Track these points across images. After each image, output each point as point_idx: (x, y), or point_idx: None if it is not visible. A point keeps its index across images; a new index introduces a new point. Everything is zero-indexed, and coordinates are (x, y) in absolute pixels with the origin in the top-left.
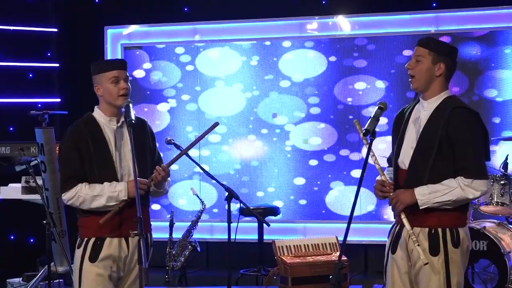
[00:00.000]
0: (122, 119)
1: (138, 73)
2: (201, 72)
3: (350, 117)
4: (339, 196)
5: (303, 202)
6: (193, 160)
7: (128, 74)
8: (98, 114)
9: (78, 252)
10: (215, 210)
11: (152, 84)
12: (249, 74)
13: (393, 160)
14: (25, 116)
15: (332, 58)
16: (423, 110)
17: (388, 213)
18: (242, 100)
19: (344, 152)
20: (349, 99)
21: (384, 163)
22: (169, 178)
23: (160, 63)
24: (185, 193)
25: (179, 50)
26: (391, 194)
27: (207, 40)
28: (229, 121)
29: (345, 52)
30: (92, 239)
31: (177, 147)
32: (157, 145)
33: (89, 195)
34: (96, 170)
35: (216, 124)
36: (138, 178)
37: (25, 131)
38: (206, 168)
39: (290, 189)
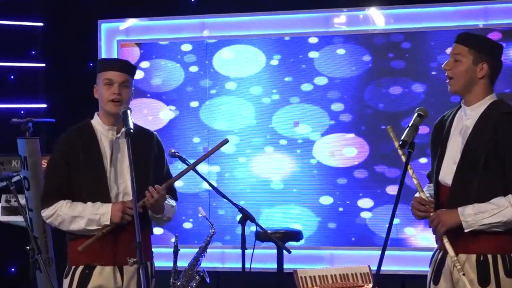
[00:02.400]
0: (123, 129)
1: (137, 75)
2: (211, 74)
3: (383, 126)
4: (372, 218)
5: (330, 225)
6: (201, 176)
7: (129, 79)
8: (96, 121)
9: (65, 283)
10: (228, 237)
11: (153, 87)
12: (267, 76)
13: (433, 176)
14: (5, 125)
15: (364, 57)
16: (466, 118)
17: (430, 238)
18: (259, 106)
19: (377, 167)
20: (382, 105)
21: (424, 181)
22: (173, 203)
23: (162, 62)
24: (192, 215)
25: (185, 47)
26: (431, 214)
27: (217, 36)
28: (243, 130)
29: (378, 50)
30: (80, 267)
31: (183, 160)
32: (167, 160)
33: (68, 215)
34: (85, 186)
35: (226, 141)
36: (124, 201)
37: (5, 142)
38: (216, 185)
39: (314, 210)
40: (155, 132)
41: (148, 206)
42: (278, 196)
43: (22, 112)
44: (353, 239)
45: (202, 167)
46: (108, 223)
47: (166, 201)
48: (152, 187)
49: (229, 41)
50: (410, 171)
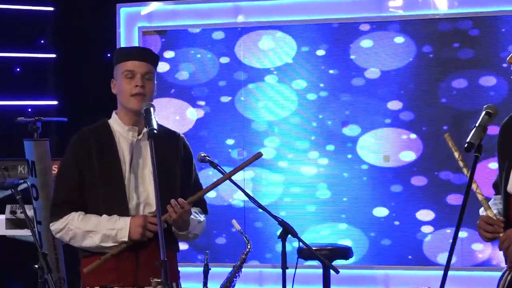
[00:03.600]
0: (145, 130)
1: (161, 67)
2: (247, 65)
3: (445, 127)
4: (433, 233)
5: (384, 241)
6: (235, 184)
7: (152, 70)
8: (114, 121)
9: None
10: (266, 255)
11: (179, 81)
12: (311, 68)
13: (501, 186)
14: (10, 124)
15: (424, 47)
16: None
17: (499, 257)
18: (303, 103)
19: (440, 173)
20: (445, 102)
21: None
22: (202, 217)
23: (191, 52)
24: (225, 229)
25: (216, 35)
26: (500, 234)
27: (254, 22)
28: (285, 131)
29: (441, 39)
30: None
31: (215, 166)
32: (195, 167)
33: (81, 229)
34: (100, 196)
35: (259, 155)
36: (146, 215)
37: (11, 145)
38: (252, 194)
39: (366, 224)
40: (181, 134)
41: (170, 223)
42: (324, 207)
43: (30, 110)
44: (410, 257)
45: (236, 174)
46: (126, 239)
47: (192, 216)
48: (174, 200)
49: (267, 27)
50: (473, 186)
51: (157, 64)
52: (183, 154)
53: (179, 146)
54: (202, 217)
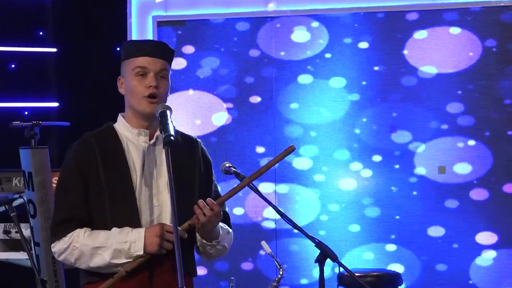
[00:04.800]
0: (158, 133)
1: (177, 63)
2: (278, 60)
3: (510, 132)
4: (496, 258)
5: (439, 266)
6: (265, 199)
7: (167, 67)
8: (121, 124)
9: None
10: (302, 281)
11: (200, 79)
12: (353, 64)
13: None
14: (4, 130)
15: (487, 40)
16: None
17: None
18: (343, 104)
19: (503, 186)
20: (510, 103)
21: None
22: (229, 229)
23: (213, 46)
24: (253, 252)
25: (243, 26)
26: None
27: (286, 10)
28: (323, 137)
29: (506, 30)
30: None
31: (241, 178)
32: (214, 177)
33: (89, 246)
34: (109, 211)
35: (291, 149)
36: (163, 224)
37: (4, 153)
38: (285, 211)
39: (418, 245)
40: (199, 139)
41: (198, 227)
42: (369, 226)
43: (26, 112)
44: (471, 281)
45: (266, 187)
46: (141, 253)
47: (220, 224)
48: (202, 201)
49: (302, 17)
50: None
51: (172, 60)
52: (202, 162)
53: (197, 152)
54: (230, 229)
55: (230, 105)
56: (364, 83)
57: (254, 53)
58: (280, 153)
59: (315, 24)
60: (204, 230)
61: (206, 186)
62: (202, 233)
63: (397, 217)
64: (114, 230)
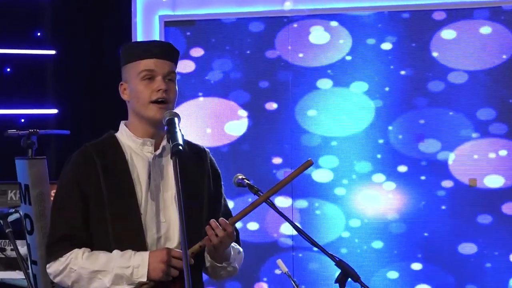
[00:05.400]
0: (165, 142)
1: (186, 66)
2: (296, 63)
3: None
4: None
5: (470, 287)
6: (281, 214)
7: (174, 69)
8: (124, 134)
9: None
10: None
11: (211, 84)
12: (376, 67)
13: None
14: None
15: None
16: None
17: None
18: (366, 112)
19: None
20: None
21: None
22: (240, 249)
23: (224, 48)
24: (268, 270)
25: (257, 26)
26: None
27: (303, 9)
28: (344, 147)
29: None
30: None
31: (255, 191)
32: (223, 190)
33: (87, 269)
34: (111, 229)
35: (309, 163)
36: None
37: None
38: (302, 227)
39: (447, 264)
40: (207, 149)
41: (209, 249)
42: (394, 243)
43: (23, 120)
44: None
45: (283, 201)
46: (144, 279)
47: (232, 244)
48: (214, 221)
49: (321, 16)
50: None
51: (178, 61)
52: (211, 173)
53: (206, 163)
54: (240, 248)
55: (242, 112)
56: (387, 89)
57: (269, 55)
58: (297, 168)
59: (334, 24)
60: (216, 251)
61: (215, 200)
62: (213, 255)
63: (425, 233)
64: (116, 253)
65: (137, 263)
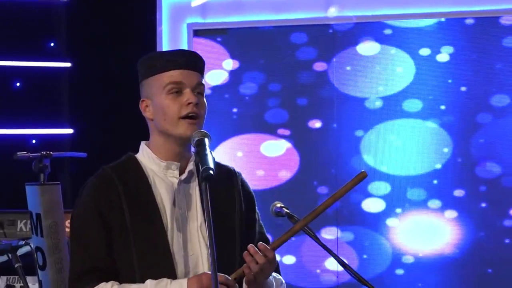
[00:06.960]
0: (191, 166)
1: (216, 78)
2: (342, 77)
3: None
4: None
5: None
6: (324, 246)
7: (202, 81)
8: (146, 156)
9: None
10: None
11: (246, 100)
12: (432, 81)
13: None
14: (7, 162)
15: None
16: None
17: None
18: (420, 132)
19: None
20: None
21: None
22: (282, 280)
23: (259, 60)
24: None
25: (298, 37)
26: None
27: (351, 16)
28: (395, 173)
29: None
30: None
31: (295, 222)
32: (258, 215)
33: None
34: (136, 258)
35: (363, 176)
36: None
37: (8, 191)
38: (348, 261)
39: None
40: (238, 171)
41: (248, 278)
42: (452, 281)
43: (34, 141)
44: None
45: (328, 232)
46: None
47: (273, 274)
48: (253, 246)
49: (370, 25)
50: None
51: (204, 72)
52: (242, 197)
53: (236, 187)
54: (282, 279)
55: (282, 131)
56: (442, 107)
57: (311, 67)
58: (351, 180)
59: (386, 32)
60: (256, 281)
61: (248, 227)
62: (252, 285)
63: (489, 270)
64: (149, 282)
65: None
